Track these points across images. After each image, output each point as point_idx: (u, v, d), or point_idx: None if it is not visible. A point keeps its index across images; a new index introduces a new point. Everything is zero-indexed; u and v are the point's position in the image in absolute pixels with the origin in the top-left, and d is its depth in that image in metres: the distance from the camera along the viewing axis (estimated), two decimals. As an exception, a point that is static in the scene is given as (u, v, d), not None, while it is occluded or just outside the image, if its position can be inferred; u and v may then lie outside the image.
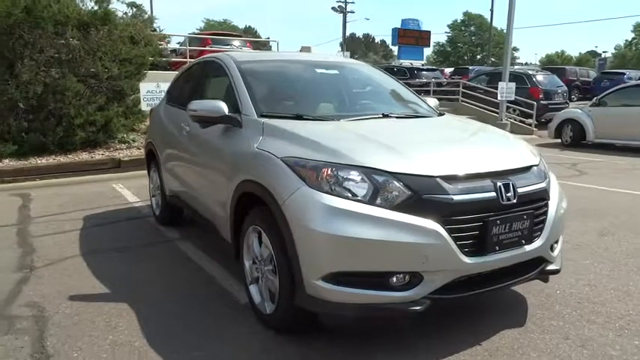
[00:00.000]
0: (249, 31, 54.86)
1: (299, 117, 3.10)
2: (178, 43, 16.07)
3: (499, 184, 2.45)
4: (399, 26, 30.49)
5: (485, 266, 2.44)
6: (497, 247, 2.43)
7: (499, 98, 12.61)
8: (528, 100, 13.63)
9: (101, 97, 8.54)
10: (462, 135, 3.12)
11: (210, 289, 3.42)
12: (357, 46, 62.69)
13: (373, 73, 4.22)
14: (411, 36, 30.53)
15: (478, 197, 2.40)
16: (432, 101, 4.06)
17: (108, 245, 4.43)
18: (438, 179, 2.37)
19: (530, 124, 13.63)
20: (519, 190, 2.52)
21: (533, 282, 2.90)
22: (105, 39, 8.46)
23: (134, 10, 10.28)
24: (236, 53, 3.98)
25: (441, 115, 3.73)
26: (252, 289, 2.93)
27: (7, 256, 4.17)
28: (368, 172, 2.37)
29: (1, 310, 3.11)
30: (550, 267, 2.81)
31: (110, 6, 8.93)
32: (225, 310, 3.09)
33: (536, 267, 2.73)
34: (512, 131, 12.94)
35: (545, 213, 2.67)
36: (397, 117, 3.36)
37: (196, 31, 31.72)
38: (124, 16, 9.23)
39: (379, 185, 2.34)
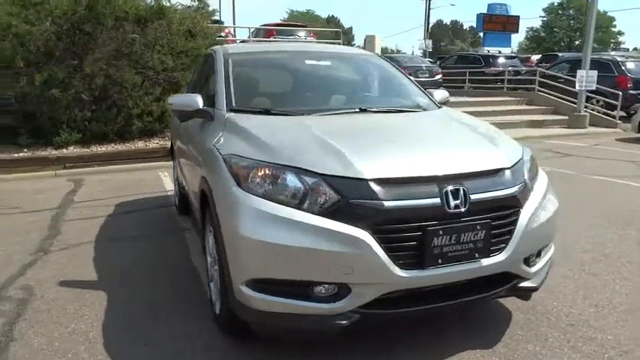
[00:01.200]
0: (331, 21, 54.98)
1: (267, 111, 2.98)
2: (250, 34, 16.41)
3: (446, 189, 2.18)
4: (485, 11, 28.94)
5: (424, 281, 2.19)
6: (439, 261, 2.17)
7: (577, 88, 11.53)
8: (614, 90, 12.31)
9: (158, 89, 8.91)
10: (430, 133, 2.81)
11: (192, 283, 3.43)
12: (444, 33, 60.50)
13: (374, 64, 3.97)
14: (497, 22, 28.81)
15: (417, 204, 2.14)
16: (440, 93, 3.75)
17: (125, 233, 4.61)
18: (370, 182, 2.15)
19: (614, 117, 12.32)
20: (474, 197, 2.22)
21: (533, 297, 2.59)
22: (161, 32, 8.80)
23: (196, 3, 10.61)
24: (233, 45, 3.93)
25: (438, 108, 3.43)
26: (211, 286, 2.88)
27: (32, 238, 4.47)
28: (298, 172, 2.21)
29: (-5, 291, 3.33)
30: (525, 284, 2.48)
31: (173, 0, 9.32)
32: (194, 306, 3.08)
33: (505, 283, 2.42)
34: (592, 124, 11.85)
35: (514, 223, 2.34)
36: (376, 111, 3.12)
37: (280, 21, 32.33)
38: (181, 9, 9.52)
39: (308, 188, 2.17)
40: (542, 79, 14.26)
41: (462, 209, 2.18)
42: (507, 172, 2.40)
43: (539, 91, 14.22)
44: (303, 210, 2.13)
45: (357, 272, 2.10)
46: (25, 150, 8.17)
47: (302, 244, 2.08)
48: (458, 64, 18.86)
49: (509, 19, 28.79)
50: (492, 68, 16.98)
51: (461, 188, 2.20)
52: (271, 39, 14.19)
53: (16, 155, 7.95)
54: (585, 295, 3.13)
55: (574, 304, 3.02)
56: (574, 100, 12.58)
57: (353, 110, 3.09)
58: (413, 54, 46.58)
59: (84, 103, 8.46)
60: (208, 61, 4.03)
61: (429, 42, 37.89)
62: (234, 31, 14.70)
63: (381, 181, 2.16)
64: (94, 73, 8.35)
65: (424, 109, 3.33)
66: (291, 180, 2.20)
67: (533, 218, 2.42)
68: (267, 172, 2.25)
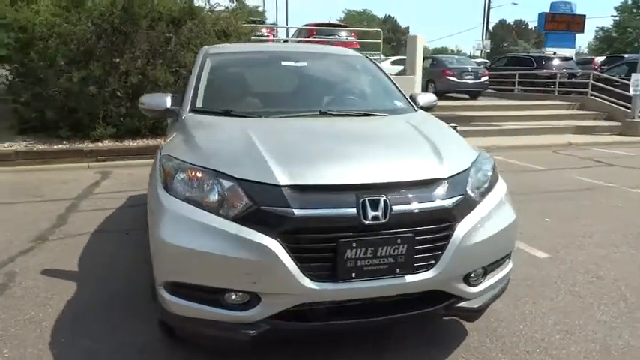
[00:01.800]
0: (388, 21, 54.34)
1: (227, 113, 2.97)
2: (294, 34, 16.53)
3: (364, 199, 2.07)
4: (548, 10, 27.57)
5: (337, 295, 2.09)
6: (354, 274, 2.06)
7: (631, 92, 10.74)
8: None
9: (190, 87, 9.14)
10: (372, 140, 2.68)
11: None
12: (507, 33, 58.25)
13: (357, 65, 3.86)
14: (560, 21, 27.35)
15: (329, 213, 2.05)
16: (425, 97, 3.62)
17: (123, 226, 4.75)
18: (283, 189, 2.08)
19: (675, 125, 11.37)
20: (396, 209, 2.10)
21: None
22: (195, 32, 9.02)
23: (234, 4, 10.82)
24: (220, 45, 3.94)
25: (414, 112, 3.30)
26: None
27: (38, 227, 4.69)
28: (217, 176, 2.18)
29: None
30: (464, 304, 2.31)
31: (212, 1, 9.61)
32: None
33: (438, 303, 2.27)
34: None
35: (447, 238, 2.19)
36: (336, 115, 3.03)
37: (336, 22, 32.43)
38: (218, 10, 9.75)
39: (225, 192, 2.13)
40: (597, 83, 13.39)
41: (381, 221, 2.06)
42: (441, 184, 2.24)
43: (592, 95, 13.36)
44: (219, 215, 2.09)
45: (264, 281, 2.04)
46: (65, 142, 8.63)
47: (211, 249, 2.04)
48: (509, 65, 18.09)
49: (573, 19, 27.26)
50: (544, 70, 16.14)
51: (381, 199, 2.08)
52: (311, 38, 14.20)
53: (55, 147, 8.42)
54: (557, 320, 2.89)
55: (541, 329, 2.80)
56: (629, 105, 11.72)
57: (312, 113, 3.01)
58: (471, 55, 45.19)
59: (119, 99, 8.81)
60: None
61: (487, 42, 36.59)
62: (277, 31, 14.83)
63: (294, 188, 2.08)
64: (129, 72, 8.69)
65: (394, 113, 3.19)
66: (210, 183, 2.18)
67: (475, 233, 2.25)
68: (190, 174, 2.24)
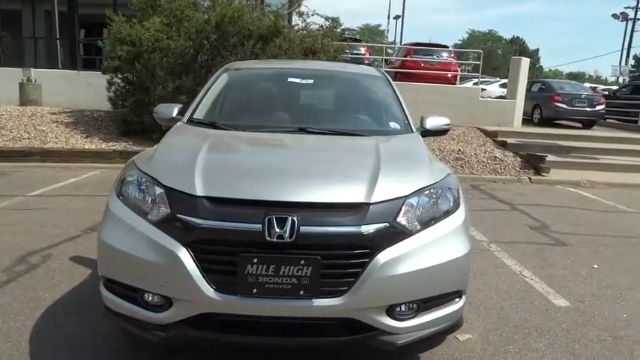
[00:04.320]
0: (515, 42, 51.64)
1: (212, 124, 3.13)
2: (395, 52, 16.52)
3: (270, 216, 2.06)
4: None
5: (239, 308, 2.10)
6: (255, 291, 2.06)
7: None
8: None
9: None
10: (320, 159, 2.61)
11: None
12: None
13: (369, 84, 3.80)
14: None
15: (233, 227, 2.07)
16: (434, 121, 3.46)
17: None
18: (197, 199, 2.15)
19: None
20: (304, 230, 2.05)
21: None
22: (281, 49, 9.47)
23: (329, 22, 11.15)
24: (243, 62, 4.14)
25: (407, 133, 3.19)
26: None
27: (97, 218, 5.25)
28: (153, 182, 2.32)
29: (16, 254, 4.03)
30: (383, 338, 2.18)
31: (309, 19, 10.09)
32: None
33: (353, 333, 2.17)
34: None
35: (362, 265, 2.09)
36: (317, 132, 3.03)
37: (458, 42, 31.80)
38: (299, 28, 10.15)
39: (156, 198, 2.26)
40: None
41: (286, 240, 2.04)
42: (361, 210, 2.14)
43: None
44: (147, 219, 2.23)
45: (171, 286, 2.13)
46: (157, 146, 9.51)
47: (131, 250, 2.19)
48: (635, 94, 16.22)
49: None
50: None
51: (289, 218, 2.06)
52: (408, 58, 14.06)
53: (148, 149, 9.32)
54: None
55: (503, 381, 2.52)
56: None
57: (290, 129, 3.06)
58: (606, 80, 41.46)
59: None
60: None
61: (626, 68, 33.25)
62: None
63: (207, 200, 2.14)
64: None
65: (379, 134, 3.10)
66: (147, 189, 2.32)
67: (402, 264, 2.13)
68: (135, 179, 2.40)
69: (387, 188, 2.26)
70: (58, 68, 14.25)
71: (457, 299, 2.37)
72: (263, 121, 3.30)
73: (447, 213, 2.37)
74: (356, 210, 2.15)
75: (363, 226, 2.11)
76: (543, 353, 2.82)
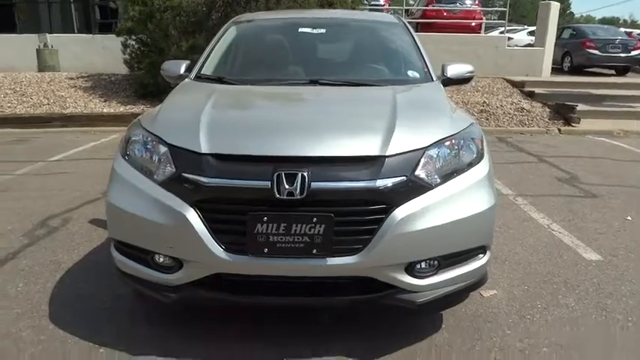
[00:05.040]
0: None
1: (220, 80, 2.99)
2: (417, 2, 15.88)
3: (279, 173, 1.94)
4: None
5: (250, 268, 2.02)
6: (265, 250, 1.97)
7: None
8: None
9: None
10: (330, 112, 2.47)
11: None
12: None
13: (385, 33, 3.58)
14: None
15: (241, 184, 1.97)
16: (457, 68, 3.25)
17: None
18: (203, 157, 2.04)
19: None
20: (315, 185, 1.94)
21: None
22: (296, 2, 9.13)
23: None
24: (252, 14, 3.96)
25: (427, 82, 3.00)
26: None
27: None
28: (158, 141, 2.22)
29: (37, 218, 4.05)
30: (401, 296, 2.09)
31: None
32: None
33: (370, 291, 2.08)
34: None
35: (378, 222, 1.97)
36: (329, 84, 2.86)
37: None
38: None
39: (160, 157, 2.17)
40: None
41: (297, 197, 1.93)
42: (376, 163, 2.01)
43: None
44: (153, 180, 2.14)
45: (179, 247, 2.06)
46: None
47: (140, 212, 2.12)
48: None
49: None
50: None
51: (299, 173, 1.94)
52: (429, 7, 13.47)
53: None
54: (553, 334, 2.47)
55: (529, 338, 2.41)
56: None
57: (302, 82, 2.90)
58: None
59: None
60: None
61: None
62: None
63: (213, 157, 2.04)
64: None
65: (396, 84, 2.92)
66: (152, 148, 2.22)
67: (420, 219, 2.01)
68: (140, 138, 2.31)
69: (404, 140, 2.12)
70: (74, 32, 14.17)
71: (481, 255, 2.25)
72: (273, 74, 3.15)
73: (470, 165, 2.22)
74: (371, 163, 2.02)
75: (378, 180, 1.98)
76: (572, 309, 2.70)
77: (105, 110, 9.27)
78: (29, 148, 7.08)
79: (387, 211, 1.98)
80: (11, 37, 12.94)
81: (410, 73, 3.16)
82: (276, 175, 1.95)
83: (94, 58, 11.97)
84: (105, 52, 11.72)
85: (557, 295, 2.84)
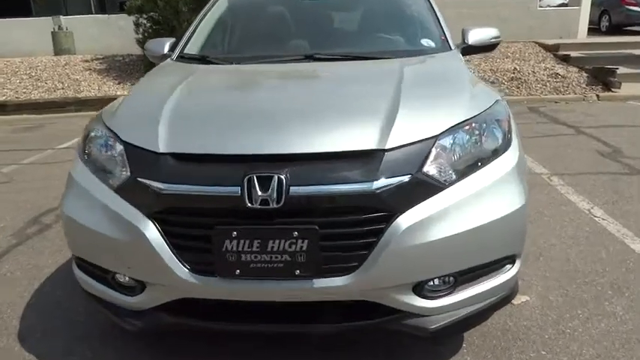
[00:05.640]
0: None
1: (204, 59, 2.60)
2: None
3: (251, 176, 1.56)
4: None
5: (219, 292, 1.67)
6: (237, 271, 1.60)
7: None
8: None
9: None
10: (321, 96, 2.02)
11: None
12: None
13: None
14: None
15: (204, 192, 1.59)
16: (478, 33, 2.79)
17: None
18: (161, 157, 1.68)
19: None
20: (297, 191, 1.55)
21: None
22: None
23: None
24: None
25: (445, 51, 2.55)
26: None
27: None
28: (114, 139, 1.85)
29: (32, 214, 3.80)
30: (409, 322, 1.70)
31: None
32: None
33: (369, 316, 1.70)
34: None
35: (377, 233, 1.58)
36: (327, 59, 2.43)
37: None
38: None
39: (117, 158, 1.81)
40: None
41: (273, 206, 1.54)
42: (373, 159, 1.60)
43: None
44: (109, 185, 1.78)
45: (137, 267, 1.72)
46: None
47: (92, 225, 1.78)
48: None
49: None
50: None
51: (275, 176, 1.55)
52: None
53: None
54: (595, 348, 2.05)
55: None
56: None
57: (295, 58, 2.48)
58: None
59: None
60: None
61: None
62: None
63: (173, 157, 1.67)
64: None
65: (409, 55, 2.48)
66: (109, 146, 1.87)
67: (432, 228, 1.60)
68: (99, 135, 1.95)
69: (409, 127, 1.69)
70: (92, 14, 13.92)
71: (509, 266, 1.83)
72: (264, 49, 2.73)
73: (495, 154, 1.79)
74: (365, 160, 1.61)
75: (375, 181, 1.57)
76: (622, 319, 2.26)
77: (119, 92, 9.00)
78: (41, 135, 6.91)
79: (388, 219, 1.58)
80: (27, 20, 12.80)
81: (424, 41, 2.70)
82: (246, 179, 1.56)
83: (111, 40, 11.71)
84: (121, 33, 11.42)
85: (603, 301, 2.40)
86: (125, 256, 1.72)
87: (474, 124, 1.80)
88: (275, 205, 1.54)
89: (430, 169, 1.64)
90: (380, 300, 1.66)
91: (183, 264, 1.64)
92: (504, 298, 1.86)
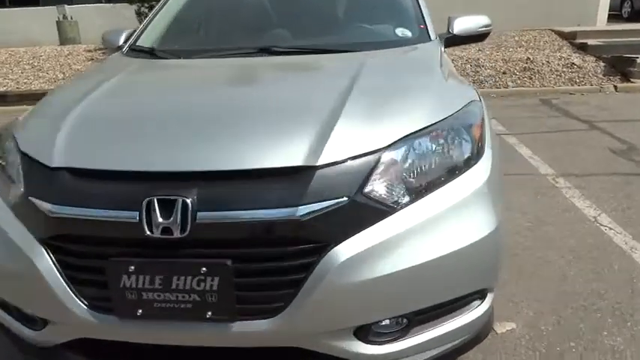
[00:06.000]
0: None
1: (151, 52, 2.33)
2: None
3: (151, 199, 1.28)
4: None
5: (122, 334, 1.40)
6: (139, 311, 1.33)
7: None
8: None
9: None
10: (262, 95, 1.73)
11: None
12: None
13: None
14: None
15: (97, 216, 1.32)
16: (464, 22, 2.47)
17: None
18: (56, 173, 1.41)
19: None
20: (206, 217, 1.26)
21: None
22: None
23: None
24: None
25: (424, 42, 2.24)
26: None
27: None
28: (14, 145, 1.59)
29: None
30: (348, 373, 1.41)
31: None
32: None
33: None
34: None
35: (306, 268, 1.29)
36: (281, 52, 2.14)
37: None
38: None
39: (17, 170, 1.54)
40: None
41: (176, 235, 1.26)
42: (300, 178, 1.30)
43: None
44: (6, 200, 1.53)
45: (31, 301, 1.45)
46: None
47: None
48: None
49: None
50: None
51: (179, 199, 1.27)
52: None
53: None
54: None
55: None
56: None
57: (248, 51, 2.18)
58: None
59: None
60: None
61: None
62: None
63: (68, 173, 1.39)
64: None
65: (377, 47, 2.17)
66: (11, 154, 1.60)
67: (378, 261, 1.31)
68: (6, 137, 1.70)
69: (351, 137, 1.39)
70: (96, 2, 13.76)
71: (477, 302, 1.53)
72: (218, 42, 2.45)
73: (463, 167, 1.48)
74: (290, 180, 1.31)
75: (301, 206, 1.27)
76: (622, 356, 1.94)
77: (117, 84, 8.84)
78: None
79: (320, 251, 1.29)
80: (33, 10, 12.72)
81: (399, 31, 2.37)
82: (146, 201, 1.28)
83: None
84: (126, 22, 11.18)
85: (602, 331, 2.08)
86: (18, 287, 1.46)
87: (437, 132, 1.49)
88: (179, 235, 1.26)
89: (374, 189, 1.34)
90: (315, 347, 1.38)
91: (80, 299, 1.38)
92: (472, 340, 1.56)
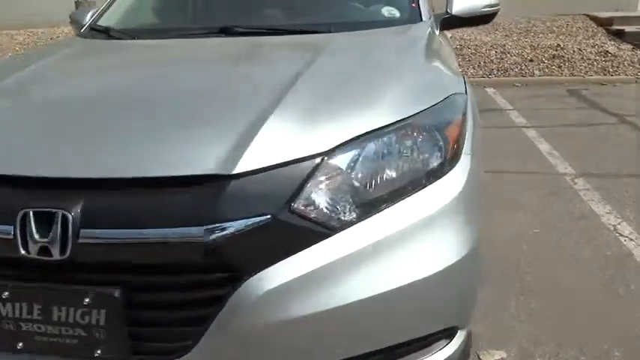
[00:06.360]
0: None
1: (106, 32, 2.10)
2: None
3: (27, 211, 1.04)
4: None
5: None
6: (20, 344, 1.10)
7: None
8: None
9: None
10: (191, 87, 1.46)
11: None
12: None
13: None
14: None
15: None
16: (464, 2, 2.12)
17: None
18: None
19: None
20: (91, 235, 1.02)
21: None
22: None
23: None
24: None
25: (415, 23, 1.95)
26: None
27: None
28: None
29: None
30: None
31: None
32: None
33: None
34: None
35: (216, 302, 1.04)
36: (246, 33, 1.87)
37: None
38: None
39: None
40: None
41: (56, 257, 1.02)
42: (211, 190, 1.04)
43: None
44: None
45: None
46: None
47: None
48: None
49: None
50: None
51: (59, 212, 1.03)
52: None
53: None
54: None
55: None
56: None
57: (209, 32, 1.93)
58: None
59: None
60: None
61: None
62: None
63: None
64: None
65: (353, 28, 1.88)
66: None
67: (308, 294, 1.05)
68: None
69: (281, 140, 1.12)
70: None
71: (444, 342, 1.25)
72: (181, 20, 2.22)
73: (431, 176, 1.20)
74: (198, 191, 1.05)
75: (209, 225, 1.01)
76: (629, 401, 1.64)
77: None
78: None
79: (233, 281, 1.03)
80: (54, -10, 12.69)
81: (386, 10, 2.07)
82: (20, 214, 1.04)
83: (132, 9, 11.43)
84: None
85: (607, 368, 1.78)
86: None
87: (401, 131, 1.21)
88: (59, 256, 1.02)
89: (309, 204, 1.07)
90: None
91: None
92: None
